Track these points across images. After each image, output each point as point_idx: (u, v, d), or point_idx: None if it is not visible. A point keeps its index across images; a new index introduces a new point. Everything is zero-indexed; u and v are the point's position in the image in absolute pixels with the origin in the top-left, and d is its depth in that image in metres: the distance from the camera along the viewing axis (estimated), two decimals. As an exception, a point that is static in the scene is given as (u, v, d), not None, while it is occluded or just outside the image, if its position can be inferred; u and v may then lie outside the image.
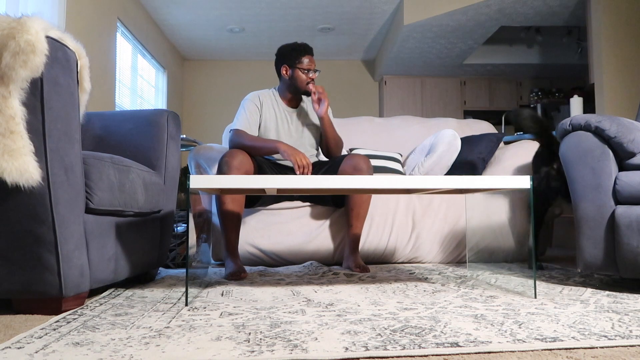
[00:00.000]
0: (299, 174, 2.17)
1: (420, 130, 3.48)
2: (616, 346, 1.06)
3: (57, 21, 3.53)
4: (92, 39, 4.17)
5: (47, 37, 1.38)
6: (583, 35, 6.41)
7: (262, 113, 2.50)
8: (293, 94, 2.54)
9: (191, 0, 5.42)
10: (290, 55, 2.48)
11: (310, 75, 2.46)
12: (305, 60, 2.46)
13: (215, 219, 2.63)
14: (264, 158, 2.51)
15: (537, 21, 5.67)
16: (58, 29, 1.50)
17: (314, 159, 2.61)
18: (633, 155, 1.76)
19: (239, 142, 2.35)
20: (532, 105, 7.00)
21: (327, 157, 2.63)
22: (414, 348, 1.03)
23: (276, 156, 2.52)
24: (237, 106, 6.29)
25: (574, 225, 3.31)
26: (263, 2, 5.48)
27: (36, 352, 1.02)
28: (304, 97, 2.62)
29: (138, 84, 5.59)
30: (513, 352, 1.02)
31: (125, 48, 5.19)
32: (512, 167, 2.88)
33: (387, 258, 2.78)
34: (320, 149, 2.68)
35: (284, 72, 2.50)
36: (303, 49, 2.48)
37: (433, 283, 1.98)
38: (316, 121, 2.60)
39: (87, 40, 4.04)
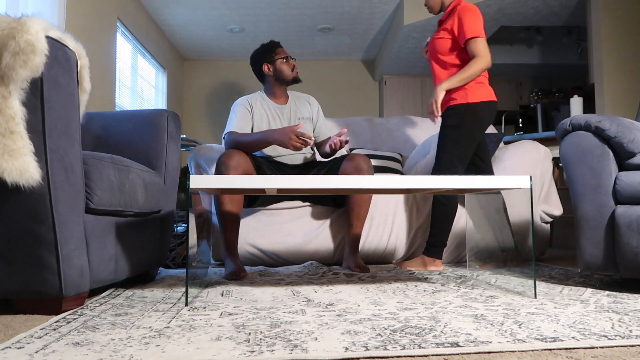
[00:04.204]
0: (302, 145, 2.18)
1: (420, 130, 3.48)
2: (616, 346, 1.06)
3: (57, 21, 3.53)
4: (92, 39, 4.17)
5: (47, 37, 1.38)
6: (583, 35, 6.41)
7: (253, 115, 2.55)
8: (282, 87, 2.62)
9: (191, 0, 5.41)
10: (266, 53, 2.60)
11: (291, 62, 2.60)
12: (281, 51, 2.61)
13: (215, 219, 2.63)
14: (262, 158, 2.52)
15: (537, 21, 5.67)
16: (58, 29, 1.50)
17: (310, 153, 2.65)
18: (633, 155, 1.76)
19: (235, 141, 2.38)
20: (532, 105, 6.99)
21: (323, 157, 2.68)
22: (414, 348, 1.03)
23: (269, 152, 2.54)
24: (237, 106, 6.27)
25: (574, 225, 3.31)
26: (263, 2, 5.48)
27: (36, 352, 1.02)
28: (290, 95, 2.68)
29: (138, 84, 5.58)
30: (513, 352, 1.02)
31: (125, 48, 5.19)
32: (512, 167, 2.88)
33: (387, 258, 2.78)
34: (315, 149, 2.72)
35: (267, 69, 2.59)
36: (273, 44, 2.63)
37: (433, 283, 1.98)
38: (306, 114, 2.66)
39: (87, 40, 4.04)
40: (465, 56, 2.42)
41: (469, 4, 2.41)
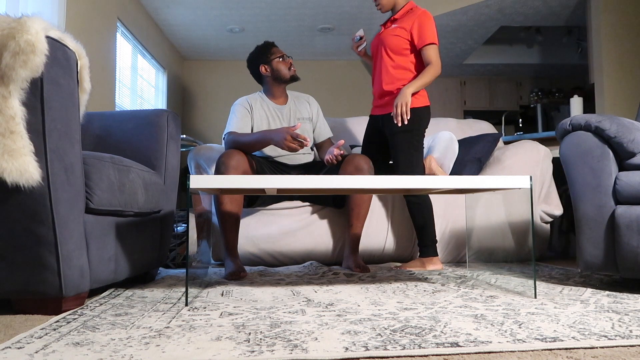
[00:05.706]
0: (298, 147, 2.18)
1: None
2: (616, 346, 1.06)
3: (57, 21, 3.53)
4: (92, 39, 4.17)
5: (47, 37, 1.38)
6: (583, 35, 6.41)
7: (253, 115, 2.56)
8: (280, 86, 2.62)
9: (191, 0, 5.41)
10: (261, 54, 2.61)
11: (287, 60, 2.60)
12: (276, 51, 2.61)
13: (215, 219, 2.64)
14: (262, 158, 2.52)
15: (537, 21, 5.67)
16: (58, 29, 1.50)
17: (310, 153, 2.64)
18: (633, 155, 1.76)
19: (234, 141, 2.38)
20: (532, 105, 6.99)
21: (322, 159, 2.67)
22: (414, 348, 1.03)
23: (269, 152, 2.54)
24: (237, 106, 6.26)
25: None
26: (263, 2, 5.48)
27: (36, 352, 1.02)
28: (289, 95, 2.68)
29: (138, 84, 5.58)
30: (513, 352, 1.02)
31: (125, 48, 5.19)
32: (512, 167, 2.88)
33: (386, 258, 2.78)
34: (315, 150, 2.72)
35: (264, 70, 2.59)
36: (268, 44, 2.63)
37: (433, 283, 1.98)
38: (306, 115, 2.67)
39: (87, 40, 4.04)
40: (415, 61, 2.55)
41: (427, 11, 2.55)
